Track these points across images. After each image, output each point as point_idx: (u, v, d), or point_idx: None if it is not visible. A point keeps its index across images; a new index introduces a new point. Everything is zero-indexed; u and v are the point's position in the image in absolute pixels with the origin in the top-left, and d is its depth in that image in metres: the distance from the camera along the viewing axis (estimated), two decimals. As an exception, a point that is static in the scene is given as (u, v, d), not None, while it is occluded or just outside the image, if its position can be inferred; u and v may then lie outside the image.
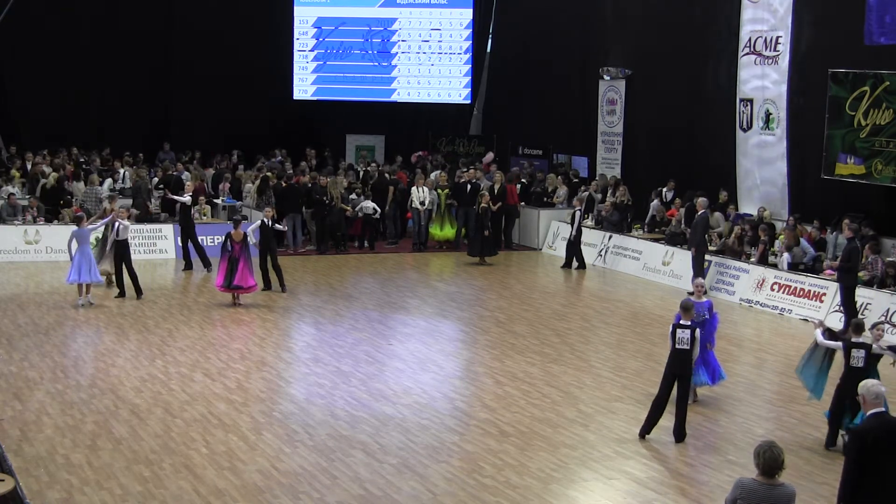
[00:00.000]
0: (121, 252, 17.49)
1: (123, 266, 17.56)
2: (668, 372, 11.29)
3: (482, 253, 22.24)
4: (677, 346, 11.18)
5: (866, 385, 7.46)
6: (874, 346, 11.09)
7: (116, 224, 17.42)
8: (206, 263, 20.30)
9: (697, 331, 11.27)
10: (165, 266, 20.81)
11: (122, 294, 17.63)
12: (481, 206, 22.29)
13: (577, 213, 21.82)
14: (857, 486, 7.19)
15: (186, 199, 20.27)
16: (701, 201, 19.57)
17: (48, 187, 22.42)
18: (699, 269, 19.05)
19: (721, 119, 21.75)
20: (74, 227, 17.28)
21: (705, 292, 12.11)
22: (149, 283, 18.63)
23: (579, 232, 21.87)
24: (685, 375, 11.21)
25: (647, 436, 11.33)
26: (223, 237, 17.57)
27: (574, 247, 21.92)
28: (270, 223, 18.50)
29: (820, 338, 11.49)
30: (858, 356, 10.96)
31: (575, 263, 21.92)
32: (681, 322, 11.22)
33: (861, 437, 7.28)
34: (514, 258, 23.33)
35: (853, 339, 11.10)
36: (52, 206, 22.00)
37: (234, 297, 17.49)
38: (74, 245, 16.88)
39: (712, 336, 12.56)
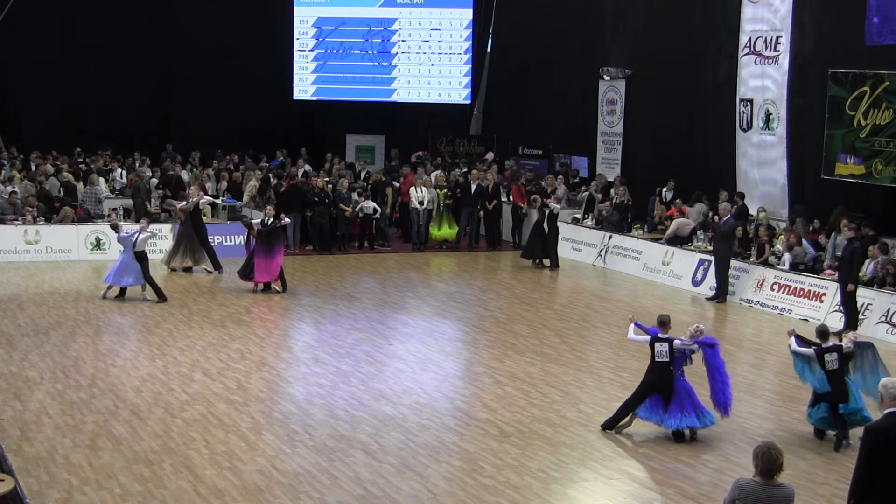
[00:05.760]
0: (143, 260, 17.56)
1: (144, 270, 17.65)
2: (648, 382, 11.37)
3: (543, 255, 21.97)
4: (657, 358, 11.26)
5: (886, 385, 7.39)
6: (845, 345, 11.36)
7: (139, 234, 17.48)
8: (217, 266, 20.30)
9: (676, 342, 11.27)
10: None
11: (162, 299, 17.63)
12: (539, 209, 22.08)
13: (554, 212, 21.90)
14: (868, 485, 7.17)
15: (205, 199, 20.29)
16: (724, 206, 19.22)
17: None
18: (724, 286, 18.88)
19: (721, 119, 21.77)
20: (115, 234, 18.22)
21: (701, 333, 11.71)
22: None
23: (556, 230, 21.94)
24: (666, 386, 11.25)
25: (609, 430, 11.45)
26: (246, 234, 19.16)
27: (551, 245, 22.01)
28: (270, 221, 18.53)
29: (794, 345, 11.60)
30: (832, 359, 11.26)
31: (547, 262, 22.00)
32: (658, 335, 11.30)
33: (875, 435, 7.23)
34: (514, 258, 23.30)
35: (823, 345, 11.38)
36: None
37: (256, 285, 18.55)
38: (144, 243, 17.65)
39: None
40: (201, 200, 20.24)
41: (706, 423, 11.29)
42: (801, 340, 11.62)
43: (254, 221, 18.94)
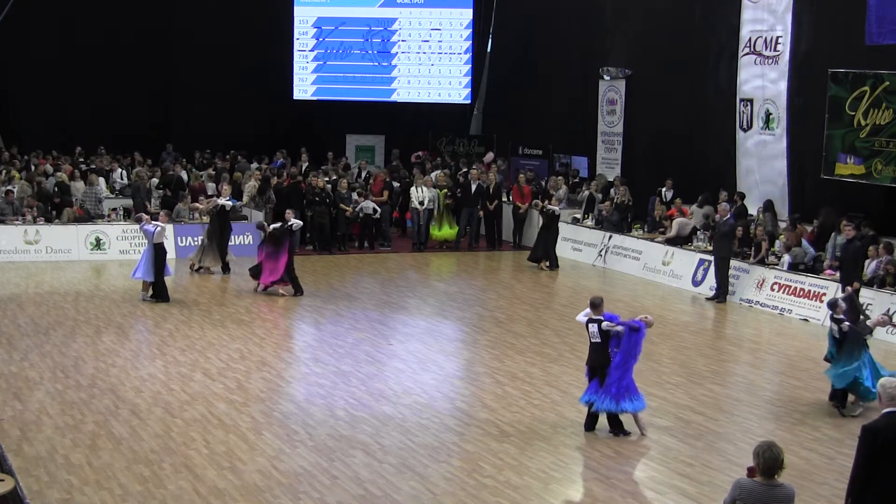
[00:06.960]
0: (160, 255, 17.48)
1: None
2: (587, 365, 11.68)
3: (546, 257, 21.84)
4: (591, 339, 11.56)
5: (884, 385, 7.38)
6: (845, 324, 12.61)
7: (154, 228, 17.44)
8: (226, 269, 20.30)
9: (605, 324, 11.40)
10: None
11: (164, 299, 17.52)
12: (546, 209, 21.98)
13: (556, 213, 21.87)
14: (865, 485, 7.17)
15: (228, 202, 20.29)
16: (724, 206, 19.27)
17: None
18: (724, 283, 18.85)
19: (721, 119, 21.77)
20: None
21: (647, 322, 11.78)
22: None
23: (556, 231, 21.92)
24: (601, 367, 11.40)
25: (591, 430, 11.48)
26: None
27: (550, 245, 21.93)
28: (289, 224, 18.48)
29: (836, 298, 13.39)
30: (834, 329, 12.71)
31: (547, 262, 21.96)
32: (592, 317, 11.54)
33: (873, 435, 7.22)
34: (514, 258, 23.31)
35: (833, 315, 12.78)
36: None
37: (257, 285, 18.58)
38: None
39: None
40: (224, 202, 20.23)
41: (623, 410, 11.30)
42: (851, 306, 13.25)
43: (273, 225, 18.73)
